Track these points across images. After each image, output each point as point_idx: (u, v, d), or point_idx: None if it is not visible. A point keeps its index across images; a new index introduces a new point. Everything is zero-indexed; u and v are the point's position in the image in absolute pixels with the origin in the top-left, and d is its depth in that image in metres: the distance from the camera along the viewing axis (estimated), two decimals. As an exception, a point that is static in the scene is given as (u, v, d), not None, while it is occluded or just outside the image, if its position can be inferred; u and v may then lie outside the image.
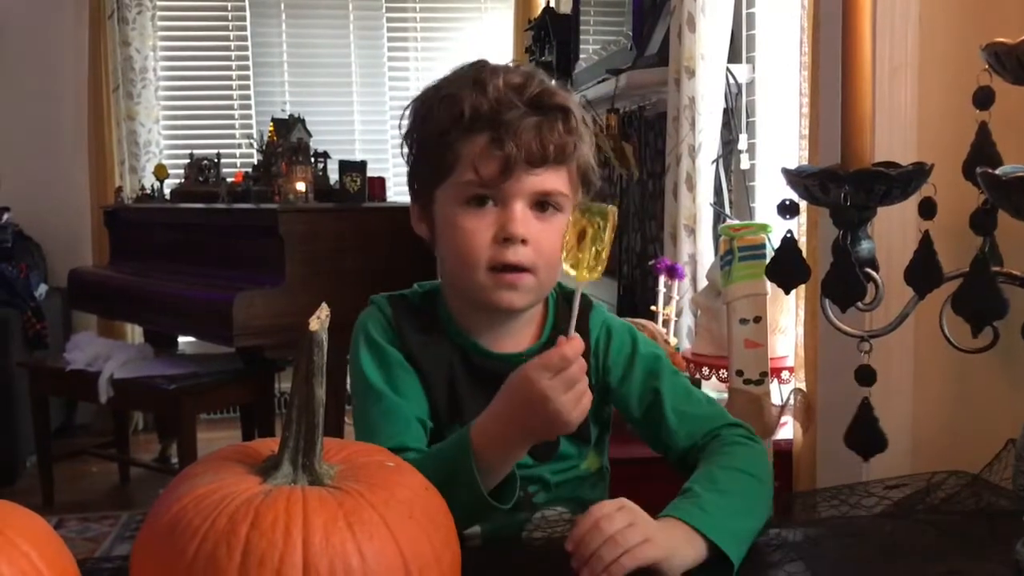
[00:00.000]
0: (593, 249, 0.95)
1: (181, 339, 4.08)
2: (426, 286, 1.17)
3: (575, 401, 0.92)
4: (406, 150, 1.14)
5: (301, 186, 3.38)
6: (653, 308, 2.21)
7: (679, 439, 1.11)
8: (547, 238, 1.04)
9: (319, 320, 0.69)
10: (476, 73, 1.07)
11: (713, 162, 2.41)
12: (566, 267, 0.98)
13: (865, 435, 0.92)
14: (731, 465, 1.03)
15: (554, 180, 1.05)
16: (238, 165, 4.50)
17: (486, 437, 0.95)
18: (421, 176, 1.11)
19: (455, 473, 0.93)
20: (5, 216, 4.32)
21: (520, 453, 0.97)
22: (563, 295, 1.15)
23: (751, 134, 2.50)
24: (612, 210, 0.96)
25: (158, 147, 4.66)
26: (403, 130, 1.14)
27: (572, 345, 0.92)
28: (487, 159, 1.03)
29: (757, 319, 1.74)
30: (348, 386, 1.13)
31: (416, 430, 1.07)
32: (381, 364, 1.09)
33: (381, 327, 1.11)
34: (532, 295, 1.08)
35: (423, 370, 1.10)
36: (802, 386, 1.86)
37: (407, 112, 1.13)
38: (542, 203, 1.05)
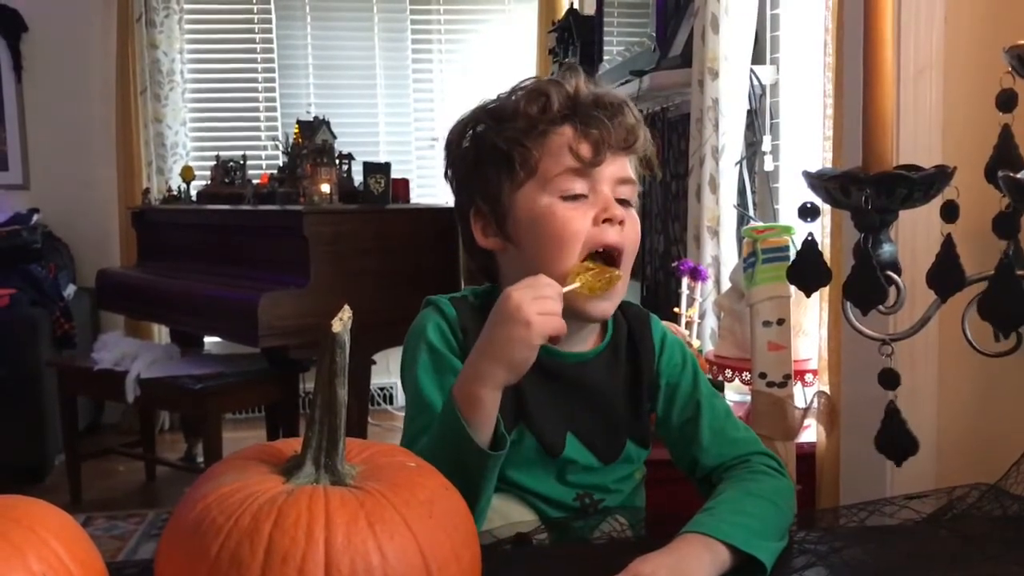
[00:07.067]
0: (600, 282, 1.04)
1: (207, 339, 4.11)
2: (479, 290, 1.16)
3: (540, 309, 0.94)
4: (460, 166, 1.13)
5: (326, 188, 3.39)
6: (676, 310, 2.20)
7: (709, 457, 1.11)
8: (632, 226, 1.08)
9: (341, 322, 0.70)
10: (543, 79, 1.12)
11: (736, 164, 2.41)
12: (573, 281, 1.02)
13: (896, 439, 0.91)
14: (756, 492, 1.03)
15: (629, 168, 1.11)
16: (264, 167, 4.54)
17: (463, 380, 0.96)
18: (493, 184, 1.09)
19: (452, 434, 0.94)
20: (35, 217, 4.37)
21: (496, 394, 0.95)
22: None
23: (775, 136, 2.49)
24: (618, 275, 1.05)
25: (185, 149, 4.70)
26: (451, 152, 1.14)
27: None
28: (581, 143, 1.07)
29: (780, 321, 1.73)
30: (401, 388, 1.12)
31: None
32: (437, 371, 1.07)
33: (441, 331, 1.09)
34: (619, 299, 1.10)
35: None
36: (826, 389, 1.85)
37: (455, 133, 1.14)
38: (619, 200, 1.08)
